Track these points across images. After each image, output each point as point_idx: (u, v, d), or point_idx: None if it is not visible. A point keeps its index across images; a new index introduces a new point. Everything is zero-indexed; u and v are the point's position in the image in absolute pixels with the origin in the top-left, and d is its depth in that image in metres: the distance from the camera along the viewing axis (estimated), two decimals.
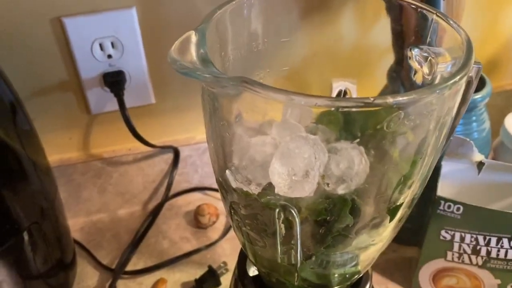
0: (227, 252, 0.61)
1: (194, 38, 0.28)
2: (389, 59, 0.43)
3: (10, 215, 0.44)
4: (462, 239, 0.49)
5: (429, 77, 0.32)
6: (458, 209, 0.47)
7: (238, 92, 0.26)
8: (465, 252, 0.50)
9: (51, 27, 0.53)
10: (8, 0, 0.50)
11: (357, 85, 0.45)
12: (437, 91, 0.25)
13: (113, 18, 0.54)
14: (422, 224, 0.53)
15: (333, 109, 0.25)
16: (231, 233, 0.64)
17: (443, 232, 0.49)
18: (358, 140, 0.28)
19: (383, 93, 0.46)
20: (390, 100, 0.24)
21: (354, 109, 0.25)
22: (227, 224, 0.65)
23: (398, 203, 0.30)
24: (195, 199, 0.69)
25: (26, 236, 0.46)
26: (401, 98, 0.24)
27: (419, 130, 0.27)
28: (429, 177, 0.31)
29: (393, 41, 0.42)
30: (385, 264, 0.59)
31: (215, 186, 0.69)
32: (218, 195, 0.69)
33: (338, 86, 0.41)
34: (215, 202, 0.67)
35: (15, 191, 0.45)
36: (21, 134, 0.47)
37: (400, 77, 0.42)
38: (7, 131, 0.45)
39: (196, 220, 0.64)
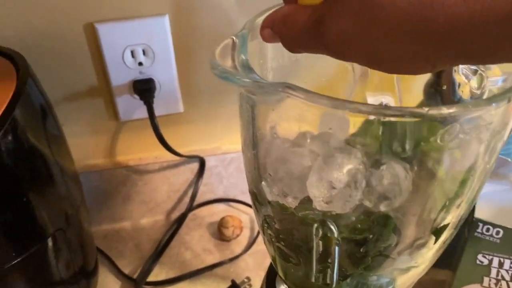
0: (251, 266, 0.60)
1: (235, 44, 0.27)
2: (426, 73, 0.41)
3: (36, 220, 0.43)
4: (501, 265, 0.46)
5: (478, 92, 0.31)
6: (497, 232, 0.45)
7: (280, 98, 0.25)
8: (503, 278, 0.47)
9: (84, 33, 0.53)
10: (43, 4, 0.51)
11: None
12: (494, 104, 0.23)
13: (145, 25, 0.53)
14: (456, 246, 0.50)
15: (383, 119, 0.24)
16: (255, 247, 0.62)
17: (480, 257, 0.47)
18: (404, 153, 0.26)
19: None
20: (445, 111, 0.22)
21: (404, 120, 0.23)
22: (251, 238, 0.64)
23: (444, 224, 0.28)
24: (219, 210, 0.68)
25: (50, 243, 0.45)
26: (456, 110, 0.22)
27: (471, 146, 0.26)
28: (477, 198, 0.29)
29: None
30: (415, 287, 0.56)
31: (240, 197, 0.69)
32: (242, 207, 0.68)
33: (376, 100, 0.40)
34: (239, 214, 0.66)
35: (42, 196, 0.44)
36: (50, 139, 0.47)
37: (438, 92, 0.41)
38: (37, 135, 0.45)
39: (220, 232, 0.63)
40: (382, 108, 0.24)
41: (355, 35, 0.21)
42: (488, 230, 0.45)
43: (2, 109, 0.39)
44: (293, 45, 0.25)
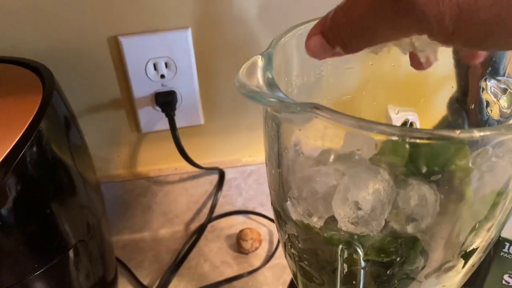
0: (269, 280, 0.59)
1: (260, 62, 0.27)
2: (449, 87, 0.40)
3: (59, 232, 0.44)
4: None
5: (508, 111, 0.30)
6: None
7: (307, 118, 0.24)
8: None
9: (108, 45, 0.54)
10: (68, 18, 0.51)
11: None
12: None
13: (168, 39, 0.54)
14: (481, 265, 0.49)
15: (407, 140, 0.23)
16: (274, 260, 0.62)
17: (506, 277, 0.45)
18: (433, 175, 0.26)
19: (442, 123, 0.43)
20: (476, 134, 0.22)
21: (433, 142, 0.23)
22: (269, 251, 0.63)
23: (473, 247, 0.28)
24: (238, 222, 0.67)
25: (72, 254, 0.45)
26: (488, 133, 0.22)
27: (503, 169, 0.25)
28: (507, 221, 0.29)
29: (457, 71, 0.40)
30: None
31: (259, 210, 0.68)
32: (261, 219, 0.68)
33: (401, 115, 0.39)
34: (258, 227, 0.66)
35: (65, 207, 0.45)
36: (73, 150, 0.48)
37: (464, 108, 0.40)
38: (61, 146, 0.45)
39: (238, 244, 0.63)
40: (410, 130, 0.23)
41: None
42: None
43: (29, 122, 0.39)
44: (360, 34, 0.20)
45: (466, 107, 0.40)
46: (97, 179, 0.53)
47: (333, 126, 0.24)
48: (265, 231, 0.66)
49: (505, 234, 0.44)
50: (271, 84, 0.26)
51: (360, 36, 0.21)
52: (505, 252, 0.44)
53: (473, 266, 0.30)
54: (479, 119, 0.35)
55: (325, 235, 0.27)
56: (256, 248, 0.63)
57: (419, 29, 0.19)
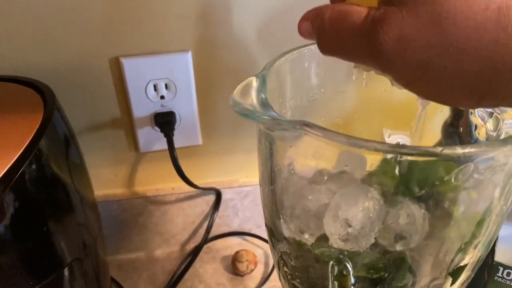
0: None
1: (255, 83, 0.28)
2: (443, 112, 0.41)
3: (54, 250, 0.44)
4: None
5: (494, 134, 0.31)
6: None
7: (298, 135, 0.25)
8: None
9: (109, 66, 0.55)
10: (71, 38, 0.53)
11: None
12: (509, 145, 0.23)
13: (169, 61, 0.55)
14: (475, 287, 0.49)
15: (390, 156, 0.24)
16: (269, 283, 0.62)
17: None
18: (421, 193, 0.26)
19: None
20: (459, 150, 0.22)
21: (419, 158, 0.24)
22: (265, 273, 0.63)
23: (461, 265, 0.28)
24: (234, 243, 0.68)
25: (66, 272, 0.45)
26: (471, 150, 0.23)
27: (486, 186, 0.26)
28: (494, 239, 0.29)
29: None
30: None
31: (255, 231, 0.69)
32: (257, 241, 0.68)
33: (393, 138, 0.40)
34: (254, 249, 0.66)
35: (61, 225, 0.45)
36: (72, 168, 0.48)
37: (457, 132, 0.41)
38: (60, 164, 0.46)
39: (234, 266, 0.63)
40: (397, 147, 0.24)
41: (415, 45, 0.19)
42: (508, 274, 0.44)
43: (29, 140, 0.40)
44: (333, 47, 0.23)
45: (457, 131, 0.40)
46: (94, 197, 0.54)
47: (323, 143, 0.25)
48: (260, 253, 0.66)
49: (498, 258, 0.45)
50: (264, 104, 0.27)
51: (332, 46, 0.23)
52: (499, 277, 0.45)
53: (462, 285, 0.30)
54: (468, 142, 0.36)
55: (316, 251, 0.28)
56: (252, 270, 0.63)
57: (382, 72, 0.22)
